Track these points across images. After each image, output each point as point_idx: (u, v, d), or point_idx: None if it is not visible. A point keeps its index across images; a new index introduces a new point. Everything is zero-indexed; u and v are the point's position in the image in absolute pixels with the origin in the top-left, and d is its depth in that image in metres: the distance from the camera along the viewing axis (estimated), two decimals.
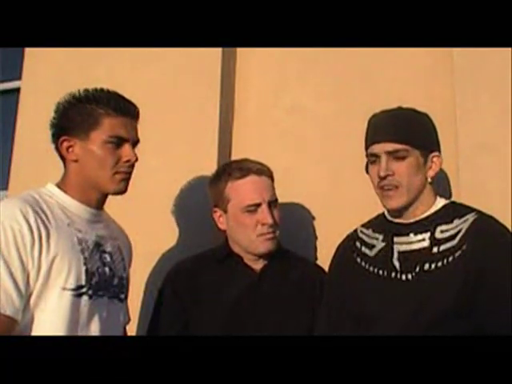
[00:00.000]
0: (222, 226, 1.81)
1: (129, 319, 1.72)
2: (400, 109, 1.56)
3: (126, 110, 1.54)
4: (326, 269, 1.74)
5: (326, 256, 1.77)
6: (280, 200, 1.80)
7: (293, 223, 2.01)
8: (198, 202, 2.09)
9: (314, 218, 2.15)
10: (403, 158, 1.48)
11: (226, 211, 1.77)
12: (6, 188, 2.62)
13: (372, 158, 1.53)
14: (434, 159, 1.53)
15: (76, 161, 1.52)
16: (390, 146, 1.48)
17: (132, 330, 1.92)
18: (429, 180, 1.53)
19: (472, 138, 1.94)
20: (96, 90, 1.55)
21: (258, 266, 1.77)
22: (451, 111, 1.99)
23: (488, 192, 1.87)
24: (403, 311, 1.44)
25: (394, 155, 1.48)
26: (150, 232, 2.19)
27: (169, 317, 1.75)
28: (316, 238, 2.13)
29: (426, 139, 1.53)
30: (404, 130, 1.49)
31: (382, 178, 1.49)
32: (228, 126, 2.37)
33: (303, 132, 2.27)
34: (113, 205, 1.63)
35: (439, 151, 1.55)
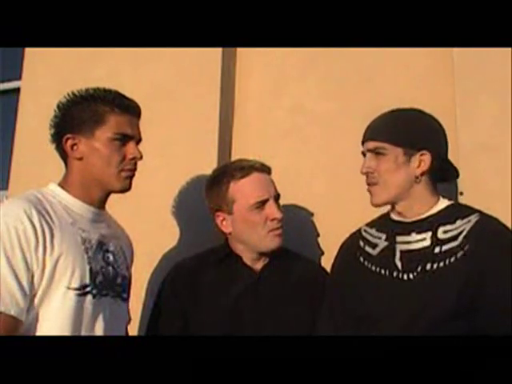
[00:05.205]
0: (226, 230, 1.77)
1: (130, 319, 1.71)
2: (395, 110, 1.57)
3: (130, 107, 1.54)
4: (326, 268, 1.74)
5: (326, 256, 1.77)
6: (280, 200, 1.80)
7: (293, 223, 2.00)
8: (198, 202, 2.08)
9: (314, 218, 2.15)
10: (382, 155, 1.52)
11: (230, 213, 1.74)
12: (6, 188, 2.62)
13: (363, 157, 1.58)
14: (422, 157, 1.52)
15: (80, 159, 1.51)
16: (371, 144, 1.54)
17: (132, 329, 1.92)
18: (418, 179, 1.52)
19: (472, 137, 1.94)
20: (98, 89, 1.55)
21: (257, 265, 1.77)
22: (451, 111, 1.99)
23: (488, 192, 1.87)
24: (405, 311, 1.44)
25: (375, 152, 1.53)
26: (150, 232, 2.19)
27: (168, 317, 1.75)
28: (316, 237, 2.13)
29: (412, 137, 1.52)
30: (384, 129, 1.53)
31: (366, 175, 1.55)
32: (228, 126, 2.37)
33: (303, 132, 2.27)
34: (113, 204, 1.63)
35: (434, 150, 1.52)
